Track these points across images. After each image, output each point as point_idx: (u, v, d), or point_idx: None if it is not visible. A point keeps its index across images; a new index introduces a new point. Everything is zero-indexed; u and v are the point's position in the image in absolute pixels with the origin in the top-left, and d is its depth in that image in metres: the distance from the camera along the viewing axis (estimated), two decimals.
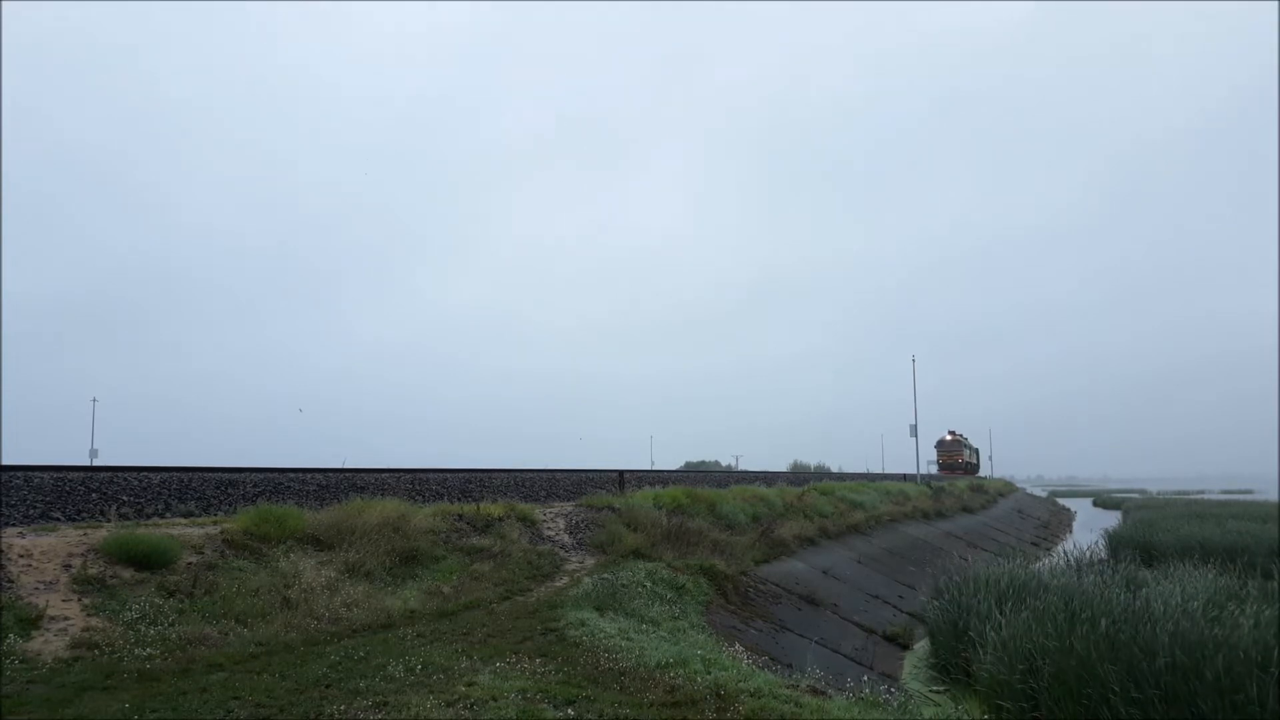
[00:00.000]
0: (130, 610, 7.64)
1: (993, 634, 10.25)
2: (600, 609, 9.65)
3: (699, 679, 6.80)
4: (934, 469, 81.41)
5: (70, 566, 8.19)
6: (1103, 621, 9.17)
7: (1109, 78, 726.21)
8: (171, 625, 7.53)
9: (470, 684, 6.24)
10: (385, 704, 5.70)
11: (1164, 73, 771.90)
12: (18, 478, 11.37)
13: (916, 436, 54.55)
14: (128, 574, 8.37)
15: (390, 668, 6.71)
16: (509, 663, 7.02)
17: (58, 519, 10.53)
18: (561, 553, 13.49)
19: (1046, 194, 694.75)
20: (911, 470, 53.89)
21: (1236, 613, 9.06)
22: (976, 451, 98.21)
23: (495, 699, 5.82)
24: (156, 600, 8.00)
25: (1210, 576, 13.29)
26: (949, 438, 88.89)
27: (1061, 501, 77.88)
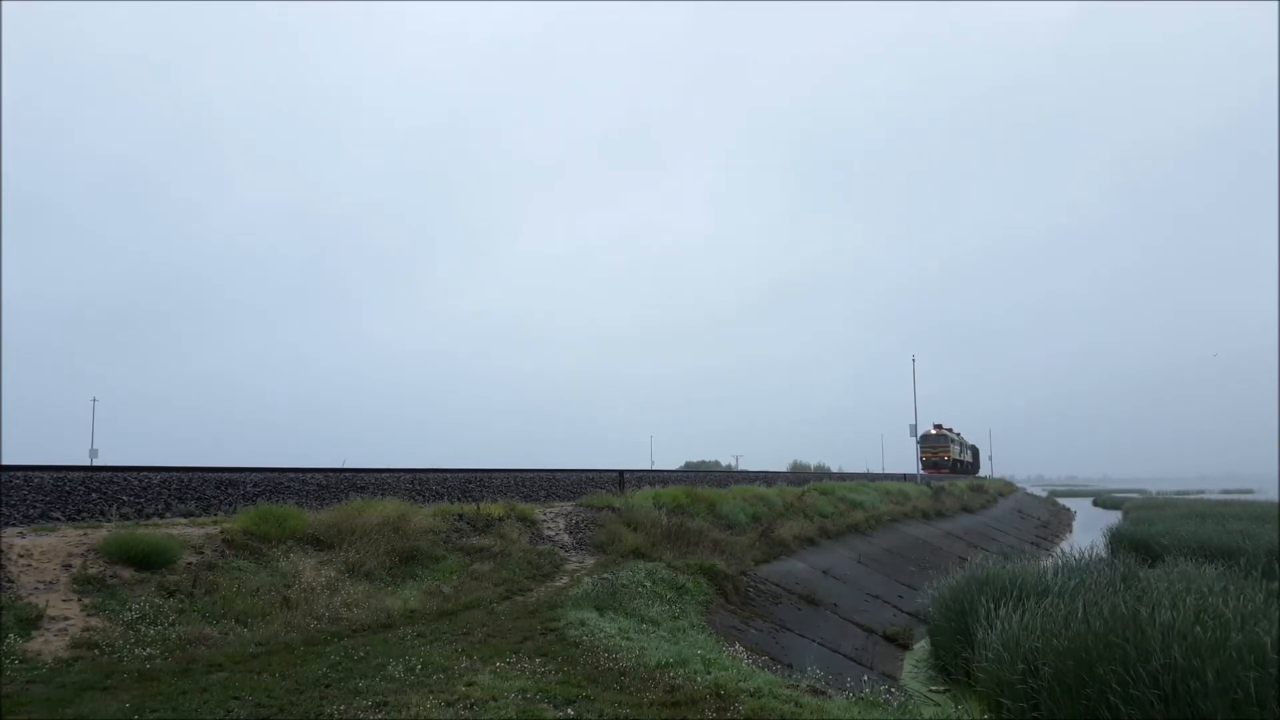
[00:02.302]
0: (130, 610, 7.64)
1: (993, 634, 10.25)
2: (600, 609, 9.65)
3: (699, 679, 6.80)
4: None
5: (70, 566, 8.19)
6: (1097, 622, 9.17)
7: (1115, 79, 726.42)
8: (171, 625, 7.53)
9: (470, 684, 6.24)
10: (385, 704, 5.70)
11: (1169, 75, 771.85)
12: (18, 478, 11.37)
13: (916, 437, 54.62)
14: (128, 574, 8.37)
15: (390, 668, 6.70)
16: (509, 662, 7.02)
17: (58, 519, 10.53)
18: (561, 553, 13.48)
19: (1050, 196, 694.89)
20: (912, 470, 53.93)
21: (1226, 613, 9.03)
22: (974, 450, 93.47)
23: (495, 699, 5.82)
24: (156, 600, 8.00)
25: (1212, 576, 13.28)
26: (934, 431, 77.67)
27: (1061, 501, 77.78)
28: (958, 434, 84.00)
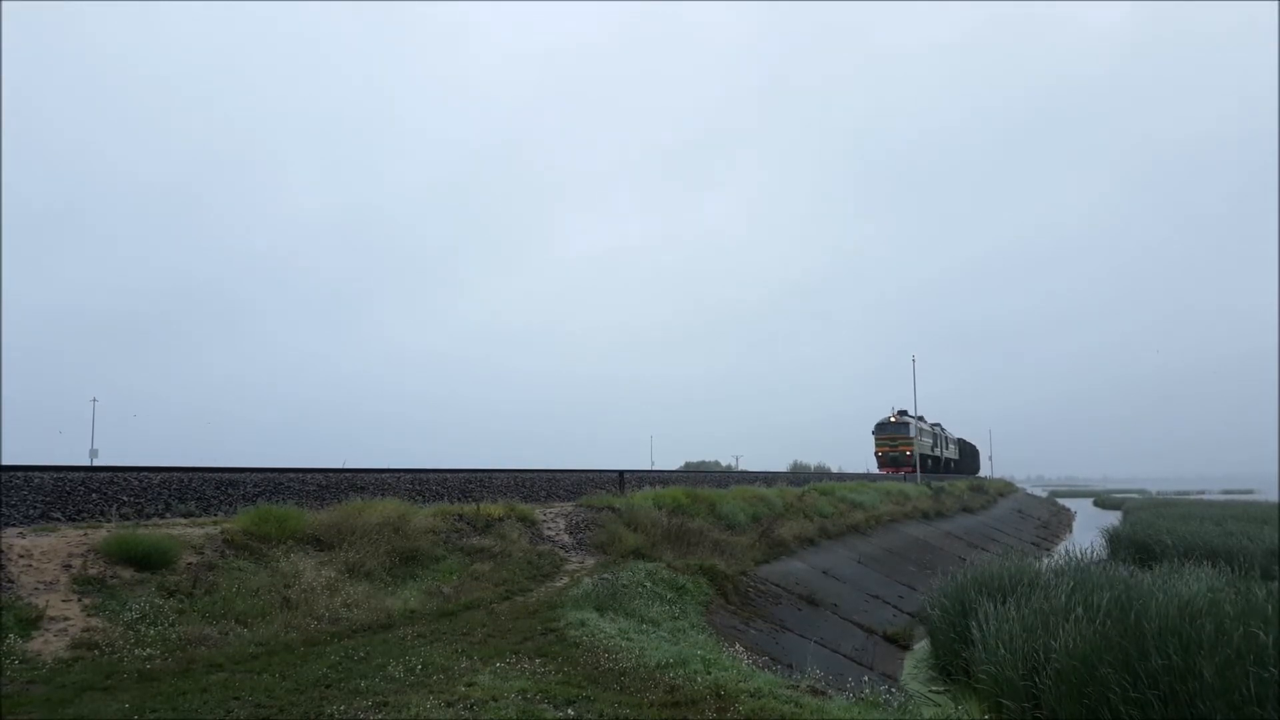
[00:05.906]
0: (130, 610, 7.64)
1: (993, 633, 10.25)
2: (600, 609, 9.65)
3: (699, 679, 6.80)
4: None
5: (70, 567, 8.19)
6: (1099, 621, 9.17)
7: (1119, 79, 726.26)
8: (171, 625, 7.53)
9: (470, 684, 6.24)
10: (385, 704, 5.70)
11: (1173, 76, 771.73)
12: (18, 478, 11.36)
13: (915, 437, 54.62)
14: (128, 574, 8.37)
15: (390, 668, 6.71)
16: (509, 663, 7.02)
17: (58, 519, 10.52)
18: (561, 553, 13.49)
19: (1052, 198, 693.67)
20: (914, 472, 53.92)
21: (1223, 613, 9.01)
22: (964, 446, 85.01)
23: (495, 699, 5.82)
24: (156, 600, 8.00)
25: (1210, 576, 13.27)
26: (892, 419, 60.39)
27: (1062, 501, 77.75)
28: (934, 425, 68.77)
